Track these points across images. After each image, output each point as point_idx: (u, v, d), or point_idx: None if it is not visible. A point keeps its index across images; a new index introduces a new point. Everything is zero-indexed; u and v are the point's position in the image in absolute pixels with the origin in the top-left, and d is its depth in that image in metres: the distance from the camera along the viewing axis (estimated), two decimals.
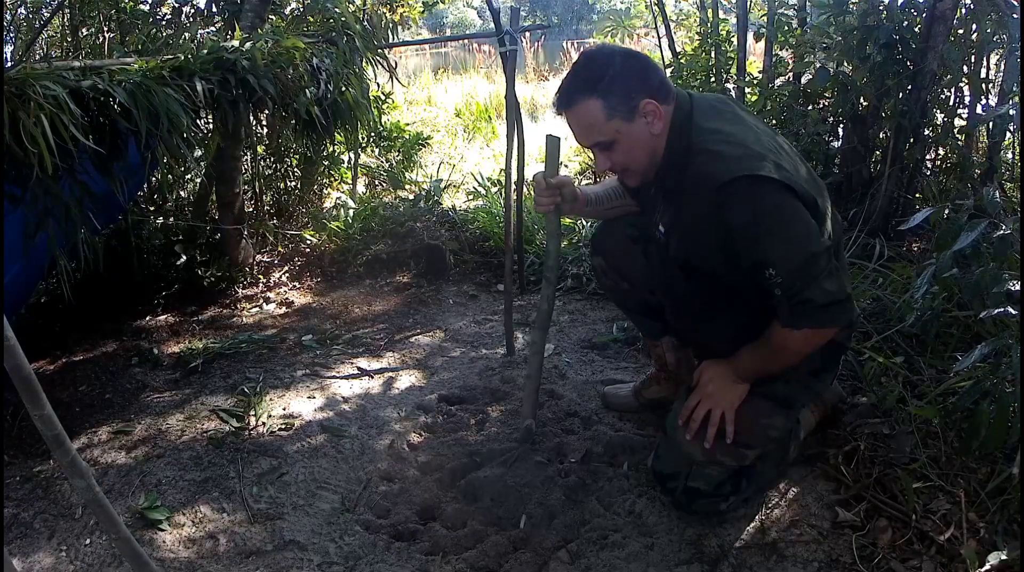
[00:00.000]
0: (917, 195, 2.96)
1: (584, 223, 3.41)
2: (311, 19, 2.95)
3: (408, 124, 5.10)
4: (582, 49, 1.58)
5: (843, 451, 1.78)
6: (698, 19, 4.22)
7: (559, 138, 1.74)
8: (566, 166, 5.24)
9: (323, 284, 3.25)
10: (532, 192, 1.81)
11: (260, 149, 3.54)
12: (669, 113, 1.50)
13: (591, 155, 5.34)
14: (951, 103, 2.93)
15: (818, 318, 1.45)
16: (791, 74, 3.44)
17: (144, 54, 2.17)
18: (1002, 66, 2.83)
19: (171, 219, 3.16)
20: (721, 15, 4.07)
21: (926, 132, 2.91)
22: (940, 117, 2.92)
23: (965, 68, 2.80)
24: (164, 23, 3.22)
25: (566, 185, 1.74)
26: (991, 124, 2.80)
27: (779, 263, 1.41)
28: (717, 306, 1.61)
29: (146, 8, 3.24)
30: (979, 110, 2.91)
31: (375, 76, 3.03)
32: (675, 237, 1.59)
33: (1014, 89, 2.66)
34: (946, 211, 1.64)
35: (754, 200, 1.40)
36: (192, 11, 3.21)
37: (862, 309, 2.26)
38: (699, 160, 1.46)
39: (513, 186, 2.59)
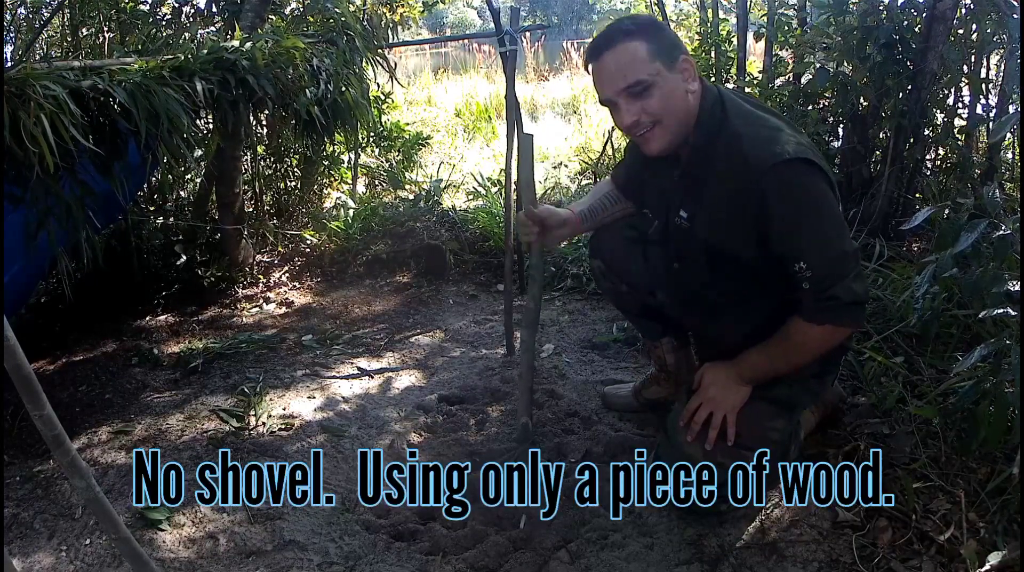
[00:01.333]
0: (917, 195, 2.96)
1: None
2: (311, 19, 2.95)
3: (408, 124, 5.10)
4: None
5: (843, 451, 1.78)
6: (698, 19, 4.23)
7: (532, 135, 1.83)
8: (566, 166, 5.25)
9: (323, 284, 3.25)
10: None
11: (260, 149, 3.54)
12: (700, 88, 1.51)
13: (591, 153, 5.23)
14: (951, 103, 2.93)
15: (841, 316, 1.46)
16: (791, 74, 3.44)
17: (144, 54, 2.16)
18: (1002, 66, 2.83)
19: (171, 219, 3.16)
20: (721, 15, 4.07)
21: (926, 132, 2.91)
22: (940, 117, 2.92)
23: (965, 68, 2.80)
24: (164, 23, 3.22)
25: (548, 217, 1.77)
26: (991, 124, 2.80)
27: (813, 257, 1.42)
28: (733, 299, 1.60)
29: (146, 8, 3.24)
30: (979, 110, 2.91)
31: (375, 76, 3.03)
32: (703, 220, 1.55)
33: (1014, 89, 2.66)
34: (946, 211, 1.64)
35: (798, 186, 1.41)
36: (192, 11, 3.21)
37: None
38: (741, 143, 1.44)
39: (513, 186, 2.59)
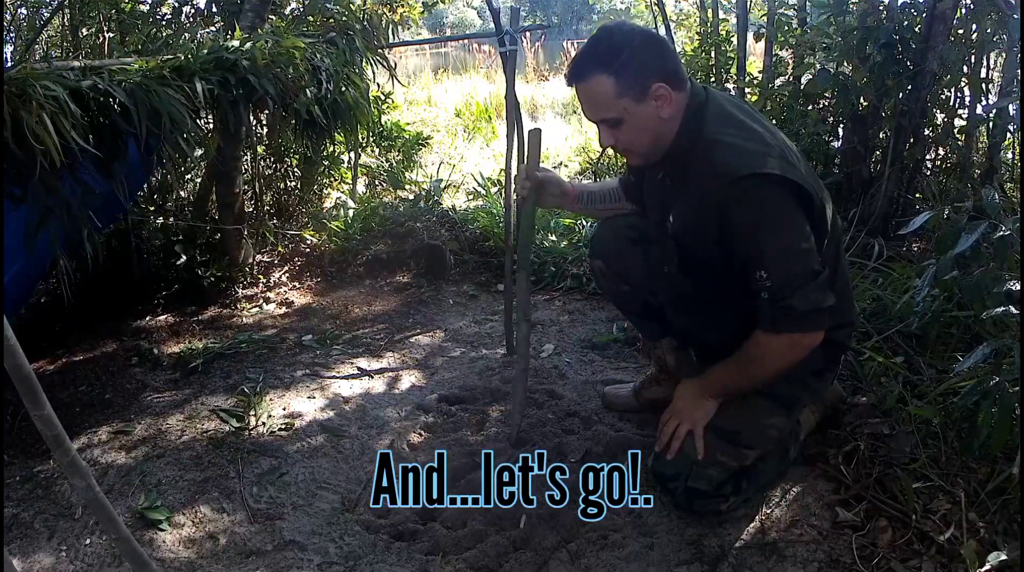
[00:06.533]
0: (917, 195, 2.96)
1: (584, 223, 3.41)
2: (311, 19, 2.95)
3: (408, 124, 5.10)
4: (601, 24, 1.60)
5: (843, 451, 1.78)
6: (698, 19, 4.24)
7: (540, 130, 1.84)
8: (566, 166, 5.25)
9: (323, 284, 3.25)
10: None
11: (260, 149, 3.54)
12: (682, 100, 1.50)
13: (591, 153, 5.26)
14: (951, 103, 2.93)
15: (798, 324, 1.45)
16: (791, 74, 3.44)
17: (144, 54, 2.16)
18: (998, 62, 2.84)
19: (171, 219, 3.15)
20: (721, 15, 4.08)
21: (926, 132, 2.91)
22: (940, 117, 2.92)
23: (965, 68, 2.80)
24: (164, 23, 3.22)
25: (544, 177, 1.85)
26: (991, 124, 2.80)
27: (772, 267, 1.42)
28: (718, 304, 1.60)
29: (146, 8, 3.24)
30: (979, 110, 2.91)
31: (375, 76, 3.03)
32: (678, 224, 1.57)
33: (1014, 89, 2.66)
34: (946, 212, 1.64)
35: (763, 200, 1.41)
36: (192, 11, 3.21)
37: (862, 309, 2.26)
38: (714, 150, 1.45)
39: (513, 186, 2.59)
